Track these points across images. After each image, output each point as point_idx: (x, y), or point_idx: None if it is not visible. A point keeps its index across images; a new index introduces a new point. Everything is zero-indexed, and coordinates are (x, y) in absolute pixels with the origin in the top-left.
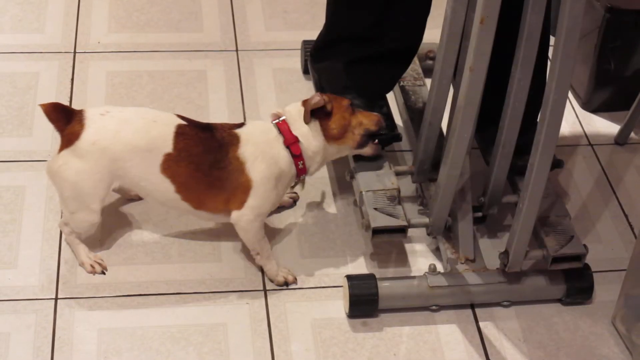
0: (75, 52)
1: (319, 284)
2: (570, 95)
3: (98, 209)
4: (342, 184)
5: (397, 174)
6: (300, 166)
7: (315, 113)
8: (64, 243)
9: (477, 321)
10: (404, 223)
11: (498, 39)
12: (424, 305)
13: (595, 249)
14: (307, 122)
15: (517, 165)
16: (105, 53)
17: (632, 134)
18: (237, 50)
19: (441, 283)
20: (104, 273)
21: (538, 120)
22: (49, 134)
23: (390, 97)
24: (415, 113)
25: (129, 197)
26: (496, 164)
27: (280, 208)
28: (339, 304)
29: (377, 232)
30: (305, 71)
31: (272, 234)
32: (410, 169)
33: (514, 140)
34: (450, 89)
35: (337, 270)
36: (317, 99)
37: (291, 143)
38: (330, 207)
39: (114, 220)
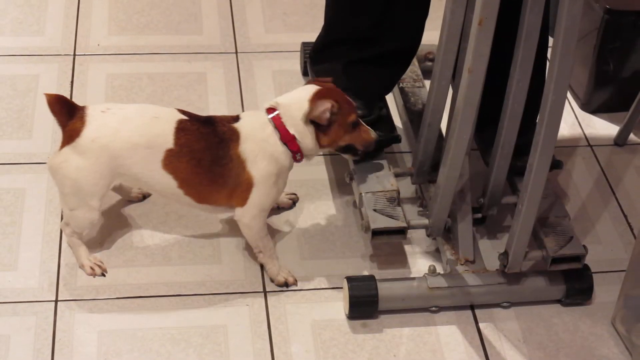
0: (75, 55)
1: (319, 285)
2: (569, 96)
3: (97, 206)
4: (342, 186)
5: (397, 175)
6: (298, 158)
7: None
8: (64, 245)
9: (476, 322)
10: (404, 224)
11: (497, 40)
12: (423, 306)
13: (594, 250)
14: (305, 123)
15: (516, 166)
16: (105, 55)
17: (632, 135)
18: (236, 53)
19: (441, 284)
20: (104, 275)
21: (537, 120)
22: (48, 136)
23: (390, 98)
24: (414, 114)
25: (129, 198)
26: (495, 164)
27: (280, 209)
28: (339, 305)
29: (376, 233)
30: (305, 73)
31: (271, 235)
32: (410, 171)
33: (513, 141)
34: (450, 90)
35: (336, 271)
36: (326, 115)
37: (288, 140)
38: (330, 208)
39: (114, 222)
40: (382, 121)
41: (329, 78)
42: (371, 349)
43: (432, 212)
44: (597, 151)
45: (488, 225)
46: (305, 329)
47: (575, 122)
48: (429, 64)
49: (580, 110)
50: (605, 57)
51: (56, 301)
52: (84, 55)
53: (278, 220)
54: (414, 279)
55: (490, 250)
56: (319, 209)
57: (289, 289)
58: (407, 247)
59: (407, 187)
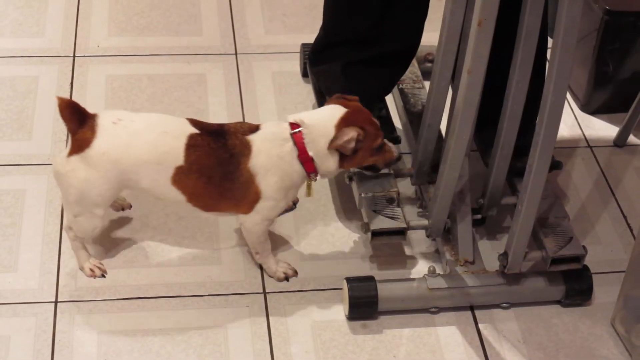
0: (74, 56)
1: (319, 286)
2: (569, 97)
3: (102, 214)
4: (342, 187)
5: (397, 176)
6: (313, 177)
7: None
8: (64, 246)
9: (476, 323)
10: (403, 225)
11: (496, 41)
12: (423, 307)
13: (594, 251)
14: (329, 149)
15: (516, 167)
16: (105, 57)
17: (631, 136)
18: (236, 54)
19: (440, 285)
20: (103, 276)
21: (536, 121)
22: (48, 137)
23: (390, 99)
24: (414, 115)
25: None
26: (495, 165)
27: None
28: (339, 306)
29: (376, 234)
30: (305, 74)
31: (271, 237)
32: (410, 171)
33: (512, 142)
34: (449, 91)
35: (336, 272)
36: (351, 145)
37: (305, 161)
38: (330, 209)
39: (114, 223)
40: (382, 122)
41: (355, 97)
42: (371, 350)
43: (432, 213)
44: (596, 152)
45: (488, 226)
46: (305, 330)
47: (575, 123)
48: (429, 65)
49: (579, 111)
50: (604, 58)
51: (56, 302)
52: (84, 56)
53: (278, 222)
54: (413, 279)
55: (489, 251)
56: (318, 209)
57: (289, 289)
58: (406, 248)
59: (406, 188)
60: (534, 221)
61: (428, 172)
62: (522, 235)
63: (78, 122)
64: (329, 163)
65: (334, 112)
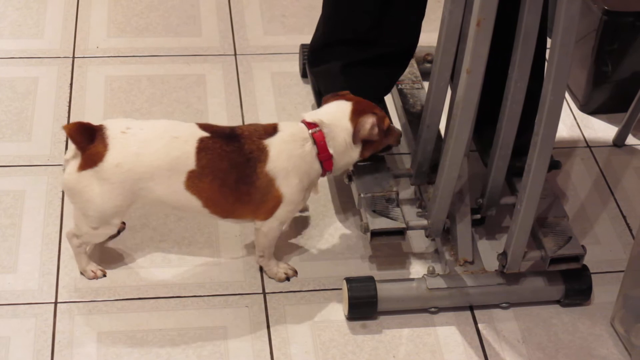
0: (74, 57)
1: (318, 286)
2: (568, 97)
3: (118, 223)
4: (341, 187)
5: (396, 176)
6: (328, 175)
7: None
8: (63, 247)
9: (476, 323)
10: (403, 225)
11: (495, 41)
12: (423, 307)
13: (593, 250)
14: (355, 143)
15: (515, 167)
16: (104, 58)
17: (630, 136)
18: (235, 55)
19: (440, 285)
20: (104, 276)
21: (535, 121)
22: (48, 138)
23: (389, 100)
24: (413, 116)
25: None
26: (494, 165)
27: None
28: (338, 306)
29: (375, 234)
30: (304, 75)
31: None
32: (409, 172)
33: (511, 142)
34: (448, 92)
35: (336, 272)
36: (375, 130)
37: (325, 159)
38: (329, 210)
39: None
40: None
41: (346, 91)
42: (370, 350)
43: (431, 213)
44: (595, 152)
45: (487, 226)
46: (304, 330)
47: (574, 123)
48: (428, 65)
49: (578, 111)
50: (603, 58)
51: (56, 303)
52: (83, 57)
53: None
54: (413, 279)
55: (489, 251)
56: (317, 210)
57: (289, 289)
58: (406, 248)
59: (406, 188)
60: (533, 221)
61: (427, 172)
62: (521, 235)
63: (88, 139)
64: (350, 156)
65: (341, 107)
